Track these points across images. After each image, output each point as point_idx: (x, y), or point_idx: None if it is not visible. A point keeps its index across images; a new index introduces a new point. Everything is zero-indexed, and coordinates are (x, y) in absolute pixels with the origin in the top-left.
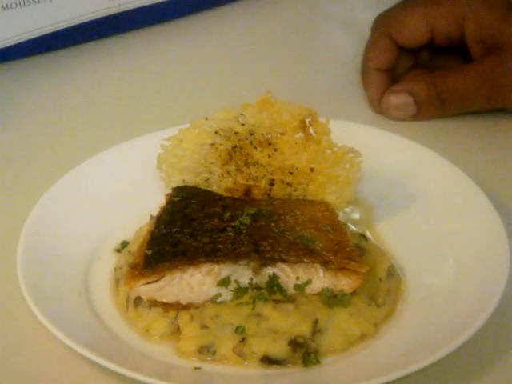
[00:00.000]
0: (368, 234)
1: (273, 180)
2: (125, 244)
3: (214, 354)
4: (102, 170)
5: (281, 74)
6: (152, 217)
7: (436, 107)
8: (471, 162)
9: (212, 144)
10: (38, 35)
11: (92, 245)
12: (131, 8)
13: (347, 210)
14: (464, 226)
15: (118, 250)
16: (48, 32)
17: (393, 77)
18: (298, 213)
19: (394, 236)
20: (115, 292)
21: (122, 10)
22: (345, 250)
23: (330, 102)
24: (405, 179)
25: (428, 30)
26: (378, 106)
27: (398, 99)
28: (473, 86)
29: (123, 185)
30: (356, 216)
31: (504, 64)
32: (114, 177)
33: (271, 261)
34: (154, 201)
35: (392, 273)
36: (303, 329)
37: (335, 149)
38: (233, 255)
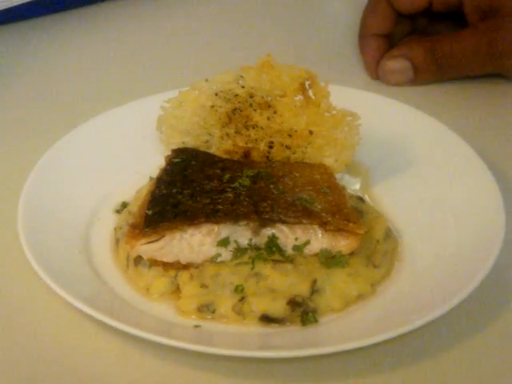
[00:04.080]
0: (366, 197)
1: (272, 142)
2: (124, 205)
3: (213, 312)
4: (101, 131)
5: (281, 37)
6: (151, 178)
7: (433, 72)
8: (467, 126)
9: (212, 106)
10: None
11: (92, 205)
12: None
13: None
14: (460, 188)
15: (118, 211)
16: None
17: (390, 43)
18: (296, 175)
19: (391, 199)
20: (115, 251)
21: None
22: (343, 211)
23: (328, 67)
24: (402, 143)
25: None
26: (375, 72)
27: (396, 64)
28: (469, 51)
29: (123, 146)
30: (354, 179)
31: (500, 30)
32: (113, 138)
33: (270, 222)
34: (153, 162)
35: (389, 234)
36: (302, 288)
37: (334, 112)
38: (232, 216)
